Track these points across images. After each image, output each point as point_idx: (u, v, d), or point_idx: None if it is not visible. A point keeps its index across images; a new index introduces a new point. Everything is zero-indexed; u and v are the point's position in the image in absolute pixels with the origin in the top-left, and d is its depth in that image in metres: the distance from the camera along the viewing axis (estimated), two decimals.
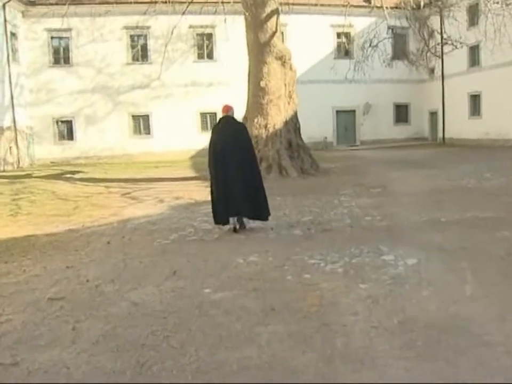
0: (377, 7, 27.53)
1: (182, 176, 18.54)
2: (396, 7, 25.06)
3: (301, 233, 7.71)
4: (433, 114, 36.51)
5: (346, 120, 35.83)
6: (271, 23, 16.40)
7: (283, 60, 16.54)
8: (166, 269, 5.97)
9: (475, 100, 31.81)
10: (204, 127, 32.44)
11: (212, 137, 8.08)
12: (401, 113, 37.06)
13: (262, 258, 6.27)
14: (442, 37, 23.03)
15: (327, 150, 32.19)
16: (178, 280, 5.55)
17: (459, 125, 32.97)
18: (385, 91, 35.38)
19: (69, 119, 30.95)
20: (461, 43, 21.73)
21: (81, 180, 19.52)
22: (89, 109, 31.16)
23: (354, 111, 35.91)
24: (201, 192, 13.57)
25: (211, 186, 8.17)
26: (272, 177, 15.06)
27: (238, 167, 7.73)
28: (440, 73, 34.14)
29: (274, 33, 16.34)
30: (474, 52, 31.23)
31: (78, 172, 23.63)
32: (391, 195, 11.55)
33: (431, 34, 22.48)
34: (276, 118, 16.41)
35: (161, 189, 14.99)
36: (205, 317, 4.39)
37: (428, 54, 22.98)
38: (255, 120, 16.25)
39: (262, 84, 16.26)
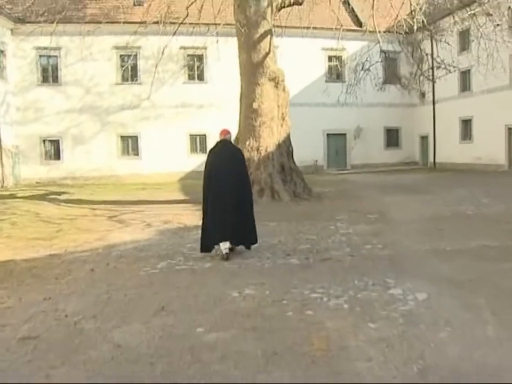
0: (370, 31, 27.55)
1: (171, 199, 18.01)
2: (388, 31, 25.01)
3: (298, 262, 7.22)
4: (424, 138, 36.34)
5: (337, 143, 35.54)
6: (264, 44, 16.07)
7: (276, 81, 16.18)
8: (153, 303, 5.44)
9: (466, 125, 31.69)
10: (193, 149, 32.07)
11: (208, 160, 7.95)
12: (392, 137, 36.83)
13: (258, 291, 5.76)
14: (433, 61, 22.81)
15: (317, 173, 31.80)
16: (167, 316, 5.02)
17: (450, 150, 32.80)
18: (376, 115, 35.20)
19: (56, 138, 30.34)
20: (454, 67, 21.56)
21: (66, 201, 18.91)
22: (77, 129, 30.58)
23: (345, 134, 35.64)
24: (191, 216, 13.08)
25: (203, 209, 7.96)
26: (265, 201, 14.59)
27: (232, 192, 7.62)
28: (431, 97, 34.10)
29: (267, 54, 16.01)
30: (465, 76, 31.19)
31: (64, 192, 23.01)
32: (389, 222, 11.11)
33: (422, 59, 22.25)
34: (269, 140, 16.00)
35: (149, 212, 14.45)
36: (198, 363, 3.86)
37: (421, 78, 22.74)
38: (247, 143, 15.82)
39: (255, 105, 15.87)
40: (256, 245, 8.10)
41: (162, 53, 20.76)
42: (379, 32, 20.35)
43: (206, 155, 8.22)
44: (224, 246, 7.65)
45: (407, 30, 23.21)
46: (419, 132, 36.52)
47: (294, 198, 15.71)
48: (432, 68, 23.60)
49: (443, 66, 21.92)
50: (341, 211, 13.19)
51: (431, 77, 21.60)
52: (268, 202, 14.73)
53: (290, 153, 16.81)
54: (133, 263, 7.63)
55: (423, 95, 35.10)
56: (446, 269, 6.61)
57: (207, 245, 7.82)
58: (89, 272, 7.11)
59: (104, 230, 11.43)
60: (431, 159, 35.28)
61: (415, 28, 20.88)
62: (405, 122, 36.48)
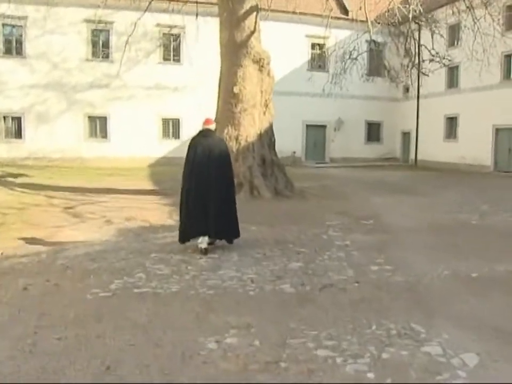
0: (358, 20, 26.11)
1: (138, 189, 16.25)
2: (378, 22, 23.61)
3: (293, 290, 5.62)
4: (406, 134, 35.15)
5: (316, 135, 34.12)
6: (249, 21, 14.36)
7: (261, 64, 14.49)
8: (96, 357, 3.81)
9: (452, 123, 30.54)
10: (166, 134, 30.32)
11: (189, 149, 7.64)
12: (373, 131, 35.61)
13: (243, 341, 4.16)
14: (419, 54, 21.40)
15: (295, 166, 30.19)
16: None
17: (433, 147, 31.62)
18: (358, 108, 33.93)
19: (18, 115, 28.11)
20: (449, 60, 20.20)
21: (21, 185, 17.02)
22: (41, 106, 28.38)
23: (325, 126, 34.25)
24: (158, 212, 11.43)
25: (181, 200, 7.60)
26: (243, 197, 12.93)
27: (215, 182, 7.37)
28: (415, 92, 32.74)
29: (252, 32, 14.28)
30: (453, 72, 29.97)
31: (22, 175, 21.04)
32: (388, 230, 9.60)
33: (415, 51, 20.77)
34: (249, 129, 14.33)
35: (111, 204, 12.72)
36: None
37: (412, 71, 21.31)
38: (225, 131, 14.14)
39: (236, 89, 14.15)
40: (238, 239, 7.70)
41: (135, 26, 18.75)
42: (371, 22, 18.93)
43: (188, 143, 7.85)
44: (203, 240, 7.36)
45: (400, 19, 21.85)
46: (401, 127, 35.34)
47: (275, 195, 14.11)
48: (419, 61, 22.22)
49: (437, 59, 20.56)
50: (329, 213, 11.66)
51: (424, 70, 20.06)
52: (246, 199, 13.10)
53: (272, 145, 15.20)
54: (79, 279, 5.97)
55: (407, 89, 33.81)
56: (484, 309, 5.11)
57: (185, 237, 7.52)
58: (21, 293, 5.44)
59: (55, 225, 9.71)
60: (412, 156, 34.14)
61: (410, 16, 19.47)
62: (387, 117, 35.28)
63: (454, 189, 18.56)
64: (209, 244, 7.48)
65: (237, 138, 14.16)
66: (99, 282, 5.81)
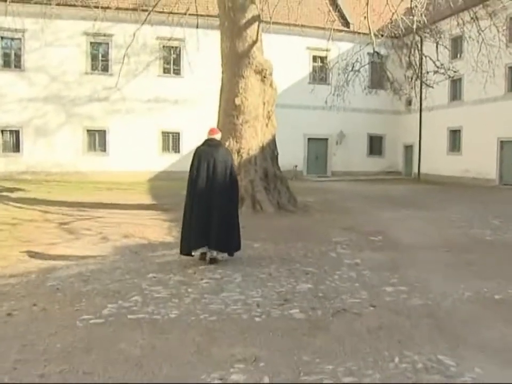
0: (359, 32, 25.85)
1: (137, 203, 15.77)
2: (380, 34, 23.32)
3: (303, 316, 5.11)
4: (408, 148, 34.74)
5: (318, 148, 33.70)
6: (251, 31, 13.96)
7: (263, 75, 14.06)
8: None
9: (455, 135, 30.12)
10: (166, 148, 29.90)
11: (194, 159, 7.54)
12: (375, 145, 35.21)
13: (251, 378, 3.65)
14: (421, 65, 20.97)
15: (297, 179, 29.73)
16: None
17: (436, 161, 31.16)
18: (359, 120, 33.54)
19: (16, 128, 27.66)
20: (454, 71, 19.82)
21: (17, 200, 16.53)
22: (39, 120, 27.97)
23: (326, 139, 33.83)
24: (157, 228, 10.93)
25: (184, 209, 7.57)
26: (244, 212, 12.45)
27: (218, 193, 7.30)
28: (417, 105, 32.38)
29: (254, 42, 13.88)
30: (456, 85, 29.61)
31: (18, 189, 20.58)
32: (398, 248, 9.09)
33: (419, 62, 20.37)
34: (251, 142, 13.89)
35: (108, 220, 12.24)
36: None
37: (416, 83, 20.93)
38: (227, 144, 13.63)
39: (237, 101, 13.72)
40: (242, 257, 7.49)
41: (134, 36, 18.40)
42: (374, 34, 18.62)
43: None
44: (209, 253, 7.40)
45: (403, 31, 21.52)
46: (404, 140, 34.94)
47: (278, 209, 13.62)
48: (421, 73, 21.82)
49: (442, 70, 20.17)
50: (335, 229, 11.18)
51: (429, 82, 19.64)
52: (248, 213, 12.61)
53: (275, 158, 14.73)
54: (70, 303, 5.47)
55: (409, 102, 33.51)
56: None
57: (186, 249, 7.39)
58: (4, 319, 4.93)
59: (48, 242, 9.21)
60: (415, 169, 33.70)
61: (414, 27, 19.11)
62: (389, 130, 34.92)
63: (461, 202, 18.10)
64: (211, 258, 7.43)
65: (238, 151, 13.71)
66: (91, 307, 5.31)
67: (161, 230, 10.70)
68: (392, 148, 35.27)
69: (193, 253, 7.44)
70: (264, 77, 14.10)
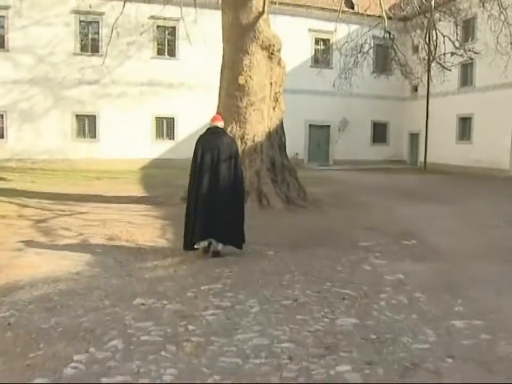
0: (368, 15, 24.22)
1: (126, 196, 14.10)
2: (391, 14, 21.70)
3: (358, 377, 3.43)
4: (414, 136, 33.14)
5: (319, 136, 32.06)
6: (257, 1, 12.23)
7: (270, 51, 12.33)
8: None
9: (465, 123, 28.50)
10: (159, 134, 28.16)
11: (196, 148, 7.20)
12: (379, 132, 33.60)
13: None
14: (436, 47, 19.24)
15: (298, 168, 28.11)
16: None
17: (444, 150, 29.52)
18: (363, 107, 31.97)
19: (0, 113, 25.89)
20: (475, 53, 18.15)
21: None
22: (25, 103, 26.15)
23: (329, 126, 32.17)
24: (148, 228, 9.29)
25: (187, 201, 7.23)
26: (250, 207, 10.75)
27: (222, 184, 6.99)
28: (424, 91, 30.68)
29: (260, 14, 12.14)
30: (466, 70, 27.95)
31: (0, 178, 18.89)
32: (443, 256, 7.43)
33: (435, 43, 18.61)
34: (257, 127, 12.19)
35: (93, 216, 10.58)
36: None
37: (432, 65, 19.23)
38: (229, 129, 11.98)
39: (241, 80, 11.99)
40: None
41: (121, 13, 16.66)
42: (385, 14, 17.08)
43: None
44: (215, 245, 7.06)
45: (418, 9, 19.89)
46: (409, 128, 33.36)
47: (287, 204, 11.95)
48: (430, 56, 20.13)
49: (460, 52, 18.49)
50: (357, 229, 9.55)
51: (446, 64, 17.93)
52: (254, 210, 10.94)
53: (283, 145, 13.07)
54: (21, 351, 3.81)
55: (415, 88, 31.84)
56: None
57: (190, 242, 7.02)
58: None
59: (15, 247, 7.56)
60: (421, 158, 32.10)
61: (433, 3, 17.45)
62: (394, 117, 33.39)
63: (481, 195, 16.64)
64: (214, 251, 7.08)
65: (242, 138, 12.02)
66: (49, 360, 3.66)
67: (153, 230, 9.05)
68: (396, 135, 33.75)
69: (196, 246, 7.03)
70: (272, 54, 12.39)
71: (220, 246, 7.06)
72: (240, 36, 12.17)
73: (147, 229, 9.15)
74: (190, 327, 4.33)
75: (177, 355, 3.78)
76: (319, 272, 6.24)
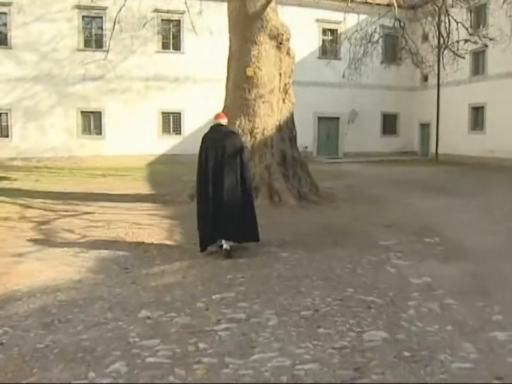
0: (376, 4, 23.76)
1: (133, 194, 13.68)
2: (400, 5, 21.10)
3: None
4: (424, 126, 32.48)
5: (328, 128, 31.46)
6: None
7: (279, 40, 11.81)
8: None
9: (477, 113, 27.82)
10: (166, 129, 27.62)
11: (202, 147, 7.12)
12: (389, 123, 32.93)
13: None
14: (449, 34, 18.60)
15: (307, 162, 27.59)
16: None
17: (456, 140, 28.85)
18: (372, 98, 31.33)
19: (4, 111, 25.39)
20: (491, 39, 17.53)
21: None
22: (30, 101, 25.70)
23: (338, 118, 31.57)
24: (155, 229, 8.84)
25: (198, 202, 7.19)
26: (261, 204, 10.33)
27: (229, 183, 6.88)
28: (434, 81, 30.04)
29: (268, 2, 11.64)
30: (478, 58, 27.28)
31: (4, 178, 18.47)
32: (470, 255, 6.89)
33: (448, 30, 17.97)
34: (267, 120, 11.69)
35: (97, 217, 10.13)
36: None
37: (445, 53, 18.60)
38: (237, 123, 11.52)
39: (249, 71, 11.49)
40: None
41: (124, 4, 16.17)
42: (395, 1, 16.56)
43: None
44: (225, 244, 6.91)
45: None
46: (419, 119, 32.69)
47: (300, 200, 11.45)
48: (440, 44, 19.53)
49: (474, 39, 17.89)
50: (375, 226, 9.07)
51: (460, 52, 17.33)
52: (265, 207, 10.47)
53: (293, 139, 12.55)
54: (12, 376, 3.40)
55: (425, 78, 31.21)
56: None
57: (205, 243, 6.98)
58: None
59: (15, 252, 7.13)
60: (432, 149, 31.42)
61: None
62: (404, 108, 32.71)
63: (498, 186, 16.12)
64: (225, 251, 6.89)
65: (251, 132, 11.53)
66: None
67: (160, 231, 8.60)
68: (407, 126, 33.08)
69: (208, 248, 6.99)
70: (281, 43, 11.86)
71: (229, 244, 6.90)
72: (247, 25, 11.65)
73: (154, 229, 8.69)
74: (201, 345, 3.87)
75: (187, 380, 3.33)
76: (339, 277, 5.76)
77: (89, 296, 5.13)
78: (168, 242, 7.77)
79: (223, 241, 6.90)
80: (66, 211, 10.96)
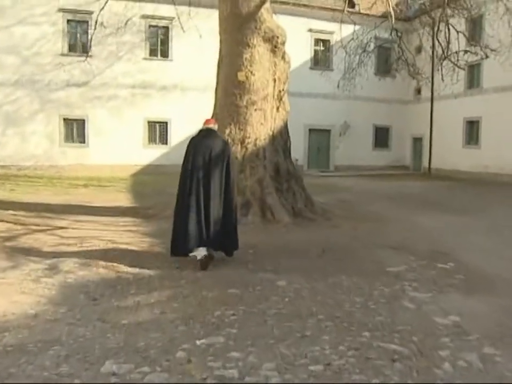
0: (371, 15, 23.17)
1: (113, 206, 12.66)
2: (397, 17, 20.40)
3: None
4: (417, 140, 31.87)
5: (319, 140, 30.69)
6: None
7: (273, 44, 10.90)
8: None
9: (472, 127, 27.17)
10: (152, 139, 26.68)
11: (188, 150, 6.89)
12: (381, 137, 32.26)
13: None
14: (449, 44, 17.87)
15: None
16: None
17: (450, 155, 28.19)
18: (365, 110, 30.69)
19: None
20: (492, 50, 16.78)
21: None
22: (10, 106, 24.67)
23: (329, 130, 30.79)
24: (135, 246, 7.84)
25: (176, 205, 6.89)
26: (252, 221, 9.38)
27: (213, 189, 6.67)
28: (427, 94, 29.43)
29: (262, 2, 10.75)
30: (473, 71, 26.65)
31: None
32: (498, 287, 5.96)
33: (447, 40, 17.20)
34: (259, 129, 10.73)
35: (70, 233, 9.09)
36: None
37: (443, 64, 17.82)
38: (227, 131, 10.57)
39: (241, 76, 10.55)
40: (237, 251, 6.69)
41: (103, 7, 15.29)
42: (392, 9, 15.87)
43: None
44: (201, 252, 6.61)
45: (425, 6, 18.65)
46: (412, 132, 32.07)
47: (294, 217, 10.51)
48: (446, 53, 18.81)
49: (474, 50, 17.17)
50: (380, 248, 8.12)
51: (459, 63, 16.56)
52: (257, 224, 9.51)
53: (287, 150, 11.60)
54: None
55: (418, 91, 30.59)
56: None
57: (179, 250, 6.71)
58: None
59: None
60: (425, 164, 30.82)
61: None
62: (396, 121, 32.09)
63: (499, 203, 15.36)
64: (207, 256, 6.67)
65: (242, 142, 10.57)
66: None
67: (138, 251, 7.59)
68: (399, 140, 32.45)
69: (190, 254, 6.66)
70: (275, 47, 10.96)
71: (206, 253, 6.64)
72: (239, 27, 10.71)
73: (132, 249, 7.69)
74: None
75: None
76: (350, 315, 4.78)
77: (43, 339, 4.12)
78: (147, 265, 6.76)
79: (200, 248, 6.58)
80: (37, 225, 9.91)
